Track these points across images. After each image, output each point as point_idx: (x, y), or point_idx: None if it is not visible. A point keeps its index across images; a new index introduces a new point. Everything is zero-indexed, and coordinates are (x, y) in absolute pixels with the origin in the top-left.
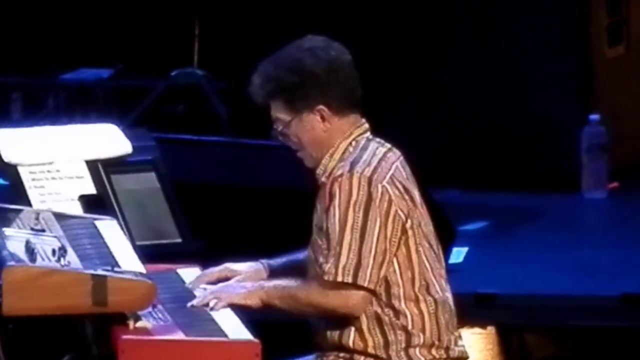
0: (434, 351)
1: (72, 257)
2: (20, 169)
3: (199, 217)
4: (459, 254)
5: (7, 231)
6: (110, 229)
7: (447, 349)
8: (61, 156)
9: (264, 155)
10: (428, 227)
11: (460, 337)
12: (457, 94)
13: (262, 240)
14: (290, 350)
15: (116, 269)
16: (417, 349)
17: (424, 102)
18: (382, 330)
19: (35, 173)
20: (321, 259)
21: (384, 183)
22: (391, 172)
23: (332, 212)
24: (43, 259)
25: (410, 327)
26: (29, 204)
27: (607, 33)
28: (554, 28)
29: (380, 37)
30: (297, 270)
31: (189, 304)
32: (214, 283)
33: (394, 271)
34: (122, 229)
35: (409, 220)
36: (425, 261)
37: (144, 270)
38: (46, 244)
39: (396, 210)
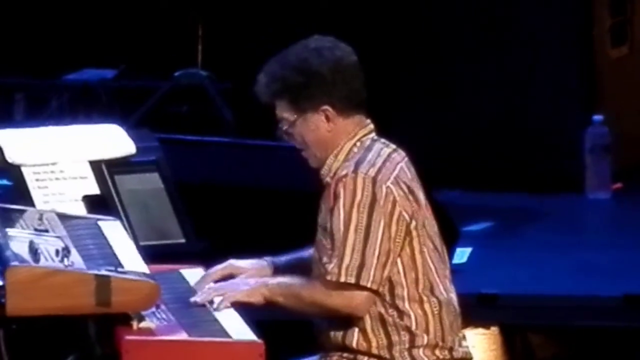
0: (437, 352)
1: (75, 257)
2: (23, 169)
3: (203, 218)
4: (462, 254)
5: (11, 231)
6: (113, 230)
7: (450, 349)
8: (65, 157)
9: (268, 155)
10: (432, 228)
11: (464, 337)
12: (461, 94)
13: (266, 241)
14: (294, 351)
15: (119, 269)
16: (421, 350)
17: (428, 103)
18: (385, 330)
19: (39, 173)
20: (325, 259)
21: (388, 184)
22: (395, 172)
23: (336, 212)
24: (47, 260)
25: (414, 327)
26: (32, 204)
27: (610, 33)
28: (557, 29)
29: (385, 38)
30: (301, 269)
31: (192, 299)
32: (217, 282)
33: (398, 272)
34: (125, 229)
35: (413, 221)
36: (430, 262)
37: (147, 271)
38: (50, 245)
39: (400, 211)
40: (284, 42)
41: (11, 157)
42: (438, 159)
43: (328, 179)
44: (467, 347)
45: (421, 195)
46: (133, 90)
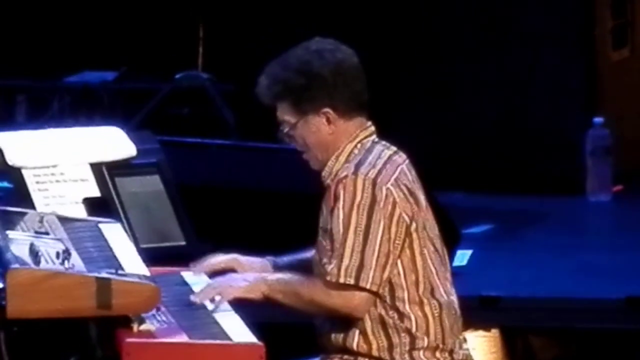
0: (438, 354)
1: (76, 260)
2: (24, 171)
3: (203, 220)
4: (463, 256)
5: (12, 234)
6: (114, 232)
7: (451, 352)
8: (65, 159)
9: (269, 157)
10: (433, 230)
11: (465, 340)
12: (462, 97)
13: (267, 243)
14: (294, 353)
15: (120, 271)
16: (422, 352)
17: (429, 105)
18: (386, 333)
19: (40, 176)
20: (325, 260)
21: (389, 185)
22: (396, 174)
23: (336, 214)
24: (47, 262)
25: (414, 330)
26: (33, 206)
27: (611, 36)
28: (558, 31)
29: (385, 38)
30: (303, 269)
31: (191, 297)
32: (217, 273)
33: (398, 274)
34: (126, 231)
35: (413, 223)
36: (430, 264)
37: (148, 273)
38: (50, 247)
39: (400, 213)
40: (284, 44)
41: (12, 159)
42: (438, 159)
43: (329, 181)
44: (467, 349)
45: (422, 198)
46: (134, 92)
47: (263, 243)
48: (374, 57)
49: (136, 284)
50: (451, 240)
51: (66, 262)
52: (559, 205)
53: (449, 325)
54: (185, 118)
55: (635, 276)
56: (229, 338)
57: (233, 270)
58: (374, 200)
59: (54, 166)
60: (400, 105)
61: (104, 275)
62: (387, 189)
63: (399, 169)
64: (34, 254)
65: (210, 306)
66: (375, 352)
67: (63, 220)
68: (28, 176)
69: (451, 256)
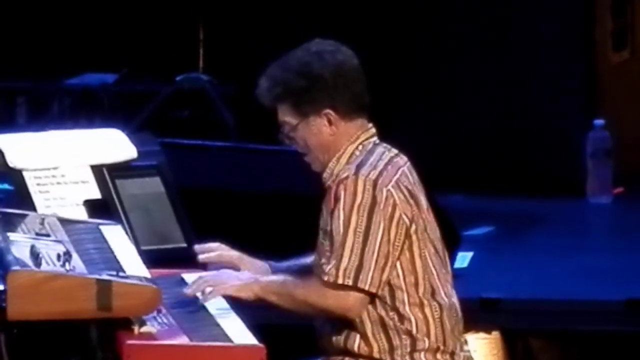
0: (439, 356)
1: (77, 262)
2: (25, 173)
3: (204, 222)
4: (463, 258)
5: (12, 236)
6: (115, 234)
7: (452, 353)
8: (66, 161)
9: (269, 159)
10: (434, 232)
11: (465, 342)
12: (462, 99)
13: (268, 245)
14: (295, 355)
15: (121, 273)
16: (422, 354)
17: (430, 107)
18: (386, 335)
19: (40, 178)
20: (323, 260)
21: (389, 187)
22: (397, 176)
23: (336, 214)
24: (48, 264)
25: (414, 331)
26: (34, 208)
27: (611, 38)
28: (558, 33)
29: (387, 42)
30: (303, 274)
31: (184, 290)
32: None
33: (398, 276)
34: (127, 233)
35: (413, 225)
36: (431, 266)
37: (148, 275)
38: (51, 249)
39: (400, 215)
40: (285, 46)
41: (12, 161)
42: (438, 160)
43: (330, 183)
44: (468, 351)
45: (423, 200)
46: (134, 95)
47: (263, 245)
48: (374, 57)
49: (137, 286)
50: (452, 242)
51: (67, 264)
52: (559, 207)
53: (450, 327)
54: (186, 120)
55: (635, 279)
56: (229, 340)
57: (234, 268)
58: (374, 202)
59: (55, 168)
60: (400, 105)
61: (104, 277)
62: (388, 190)
63: (400, 170)
64: (35, 255)
65: (200, 297)
66: (376, 354)
67: (64, 222)
68: (29, 178)
69: (452, 258)
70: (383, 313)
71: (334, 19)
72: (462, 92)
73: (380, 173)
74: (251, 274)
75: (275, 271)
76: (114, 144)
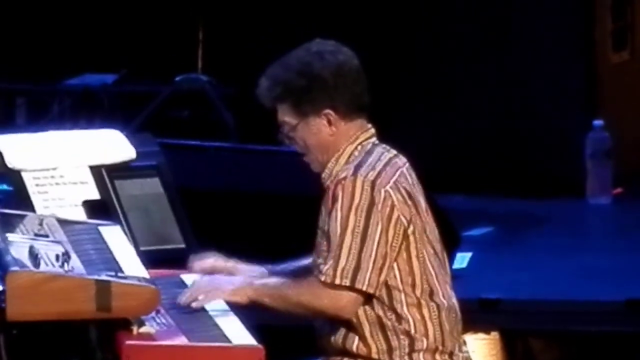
0: (437, 356)
1: (75, 262)
2: (24, 174)
3: (203, 223)
4: (462, 259)
5: (11, 237)
6: (114, 235)
7: (451, 354)
8: (65, 162)
9: (269, 160)
10: (433, 233)
11: (464, 342)
12: (462, 99)
13: (267, 245)
14: (294, 355)
15: (120, 274)
16: (421, 354)
17: (430, 107)
18: (385, 335)
19: (39, 179)
20: (320, 260)
21: (387, 188)
22: (395, 177)
23: (334, 215)
24: (47, 265)
25: (413, 331)
26: (32, 209)
27: (611, 38)
28: (558, 33)
29: (387, 42)
30: (300, 276)
31: (178, 300)
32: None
33: (395, 276)
34: (125, 234)
35: (411, 226)
36: (430, 267)
37: (147, 276)
38: (50, 250)
39: (398, 216)
40: (284, 46)
41: (11, 162)
42: (438, 160)
43: (329, 183)
44: (467, 352)
45: (422, 201)
46: (134, 95)
47: (263, 245)
48: (374, 57)
49: (136, 287)
50: (451, 243)
51: (66, 264)
52: (559, 207)
53: (449, 328)
54: (185, 120)
55: (635, 279)
56: (228, 341)
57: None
58: (372, 202)
59: (54, 169)
60: (400, 105)
61: (103, 277)
62: (386, 191)
63: (398, 171)
64: (34, 256)
65: (193, 304)
66: (374, 355)
67: (63, 222)
68: (28, 179)
69: (451, 259)
70: (381, 313)
71: (333, 19)
72: (462, 92)
73: (379, 174)
74: (244, 278)
75: (272, 275)
76: (113, 145)
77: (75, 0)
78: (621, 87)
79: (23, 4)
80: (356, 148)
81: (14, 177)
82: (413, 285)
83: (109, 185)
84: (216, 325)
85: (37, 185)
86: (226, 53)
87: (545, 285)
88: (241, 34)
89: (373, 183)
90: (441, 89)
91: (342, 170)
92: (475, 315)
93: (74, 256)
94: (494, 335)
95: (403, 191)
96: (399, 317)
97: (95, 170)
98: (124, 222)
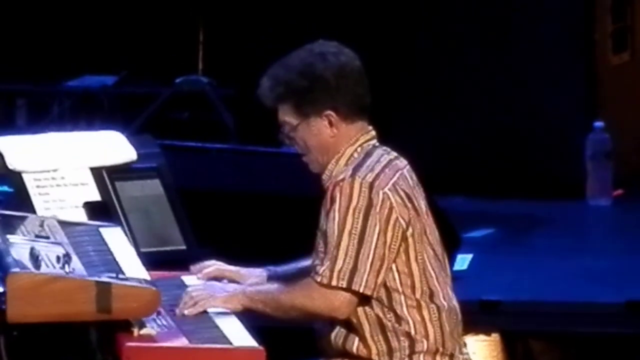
0: (438, 358)
1: (76, 264)
2: (24, 176)
3: (204, 224)
4: (463, 260)
5: (12, 238)
6: (114, 236)
7: (451, 356)
8: (66, 163)
9: (269, 161)
10: (433, 235)
11: (465, 344)
12: (462, 101)
13: (268, 247)
14: (295, 357)
15: (120, 276)
16: (421, 356)
17: (429, 107)
18: (385, 337)
19: (40, 180)
20: (317, 261)
21: (386, 190)
22: (394, 179)
23: (332, 216)
24: (47, 266)
25: (413, 333)
26: (33, 210)
27: (612, 40)
28: (559, 34)
29: (387, 42)
30: (303, 277)
31: (176, 311)
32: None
33: (394, 278)
34: (126, 236)
35: (409, 228)
36: (430, 269)
37: (148, 277)
38: (51, 251)
39: (397, 218)
40: (285, 47)
41: (12, 163)
42: (437, 160)
43: (329, 184)
44: (467, 353)
45: (422, 204)
46: (134, 97)
47: (263, 247)
48: (374, 57)
49: (136, 288)
50: (451, 245)
51: (66, 266)
52: (559, 209)
53: (449, 329)
54: (186, 122)
55: (635, 281)
56: (229, 342)
57: (233, 281)
58: (370, 204)
59: (55, 170)
60: (400, 105)
61: (104, 279)
62: (384, 193)
63: (398, 173)
64: (35, 258)
65: (186, 312)
66: (375, 357)
67: (63, 224)
68: (28, 180)
69: (451, 260)
70: (381, 314)
71: (333, 19)
72: (462, 92)
73: (377, 176)
74: (237, 285)
75: (274, 276)
76: (114, 146)
77: (76, 1)
78: (621, 89)
79: (23, 5)
80: (356, 150)
81: (14, 179)
82: (413, 287)
83: (110, 187)
84: (217, 326)
85: (37, 186)
86: (226, 55)
87: (545, 287)
88: (242, 36)
89: (371, 185)
90: (441, 89)
91: (341, 172)
92: (476, 316)
93: (74, 258)
94: (495, 336)
95: (402, 193)
96: (399, 318)
97: (96, 172)
98: (124, 224)
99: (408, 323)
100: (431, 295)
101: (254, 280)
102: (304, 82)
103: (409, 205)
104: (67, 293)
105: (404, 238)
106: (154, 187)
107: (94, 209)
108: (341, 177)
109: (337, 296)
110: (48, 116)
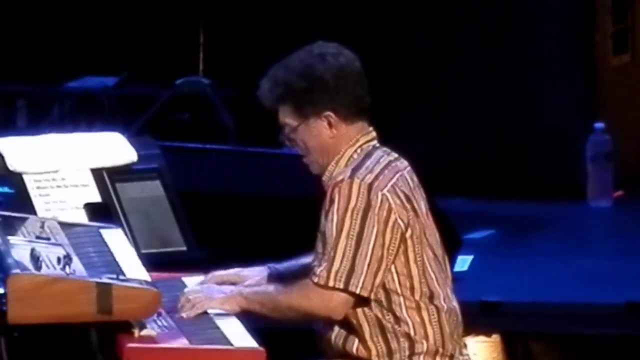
0: (438, 359)
1: (77, 265)
2: (25, 177)
3: (204, 225)
4: (463, 262)
5: (13, 239)
6: (115, 237)
7: (451, 357)
8: (66, 164)
9: (269, 163)
10: (433, 236)
11: (465, 345)
12: (462, 101)
13: (268, 249)
14: (295, 358)
15: (121, 277)
16: (421, 357)
17: (430, 107)
18: (384, 338)
19: (41, 181)
20: (315, 262)
21: (385, 191)
22: (394, 180)
23: (330, 217)
24: (48, 267)
25: (413, 334)
26: (34, 212)
27: (612, 41)
28: (559, 36)
29: (387, 42)
30: (304, 274)
31: (177, 316)
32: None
33: (393, 280)
34: (127, 237)
35: (409, 230)
36: (430, 271)
37: (148, 279)
38: (51, 252)
39: (395, 219)
40: (285, 49)
41: (13, 164)
42: (437, 160)
43: (328, 185)
44: (468, 354)
45: (422, 205)
46: (135, 98)
47: (263, 248)
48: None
49: (137, 289)
50: (452, 246)
51: (67, 267)
52: (559, 210)
53: (449, 330)
54: (186, 123)
55: (635, 282)
56: (229, 343)
57: (233, 283)
58: (368, 205)
59: (55, 171)
60: (400, 105)
61: (104, 280)
62: (383, 194)
63: (398, 174)
64: (35, 259)
65: (184, 314)
66: (374, 358)
67: (64, 225)
68: (29, 181)
69: (452, 261)
70: (380, 316)
71: (333, 19)
72: (462, 92)
73: (376, 177)
74: (235, 287)
75: (275, 274)
76: (114, 148)
77: (76, 2)
78: (622, 90)
79: (24, 6)
80: (356, 151)
81: (15, 180)
82: (412, 289)
83: (110, 188)
84: (217, 327)
85: (38, 187)
86: (227, 56)
87: (546, 288)
88: (242, 37)
89: (370, 186)
90: (441, 89)
91: (340, 173)
92: (476, 318)
93: (75, 259)
94: (495, 338)
95: (401, 194)
96: (398, 320)
97: (97, 173)
98: (125, 225)
99: (407, 324)
100: (431, 297)
101: (254, 280)
102: (304, 83)
103: (408, 206)
104: (67, 294)
105: (403, 239)
106: (154, 188)
107: (94, 210)
108: (340, 178)
109: (334, 297)
110: (49, 117)
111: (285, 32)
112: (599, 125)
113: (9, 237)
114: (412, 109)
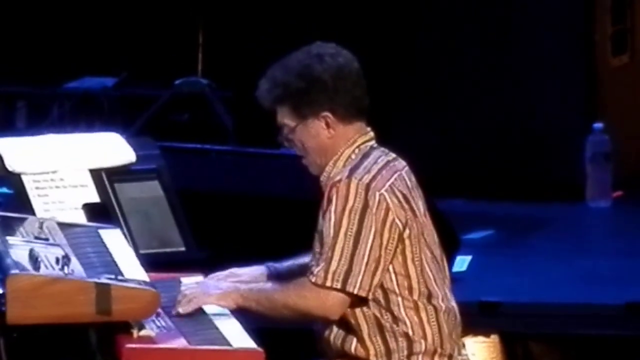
0: (436, 359)
1: (75, 265)
2: (24, 177)
3: (203, 226)
4: (462, 262)
5: (11, 240)
6: (114, 238)
7: (450, 356)
8: (65, 165)
9: (268, 163)
10: (432, 236)
11: (464, 345)
12: (462, 102)
13: (267, 249)
14: (294, 358)
15: (120, 277)
16: (420, 357)
17: (430, 107)
18: (383, 337)
19: (39, 182)
20: (312, 262)
21: (382, 191)
22: (391, 180)
23: (328, 217)
24: (47, 268)
25: (411, 333)
26: (32, 212)
27: (611, 42)
28: (559, 37)
29: (387, 42)
30: (302, 273)
31: (173, 313)
32: None
33: (391, 279)
34: (125, 237)
35: (406, 230)
36: (428, 271)
37: (147, 279)
38: (50, 253)
39: (393, 219)
40: (284, 50)
41: (11, 165)
42: (437, 161)
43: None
44: (466, 355)
45: (420, 205)
46: (134, 99)
47: (262, 249)
48: (373, 57)
49: (136, 290)
50: (451, 246)
51: (66, 267)
52: (558, 211)
53: (448, 330)
54: (185, 124)
55: (635, 282)
56: (228, 343)
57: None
58: (366, 206)
59: (54, 172)
60: (400, 105)
61: (103, 281)
62: (381, 194)
63: (396, 175)
64: (34, 259)
65: (180, 310)
66: (373, 357)
67: (63, 225)
68: (28, 182)
69: (451, 262)
70: (378, 315)
71: (333, 20)
72: (462, 92)
73: (374, 177)
74: (231, 284)
75: (274, 273)
76: (113, 148)
77: (76, 3)
78: (621, 91)
79: (23, 6)
80: (354, 151)
81: (14, 180)
82: (410, 289)
83: (109, 189)
84: (216, 328)
85: (37, 188)
86: (226, 56)
87: (545, 289)
88: (241, 37)
89: (367, 186)
90: (441, 89)
91: (338, 173)
92: (475, 318)
93: (74, 259)
94: (494, 338)
95: (399, 194)
96: (396, 319)
97: (95, 174)
98: (124, 225)
99: (405, 324)
100: (429, 297)
101: (251, 276)
102: (302, 83)
103: (406, 206)
104: (66, 295)
105: (401, 239)
106: (153, 188)
107: (93, 211)
108: (338, 178)
109: (330, 296)
110: (48, 118)
111: (285, 33)
112: (598, 125)
113: (8, 238)
114: (412, 109)
